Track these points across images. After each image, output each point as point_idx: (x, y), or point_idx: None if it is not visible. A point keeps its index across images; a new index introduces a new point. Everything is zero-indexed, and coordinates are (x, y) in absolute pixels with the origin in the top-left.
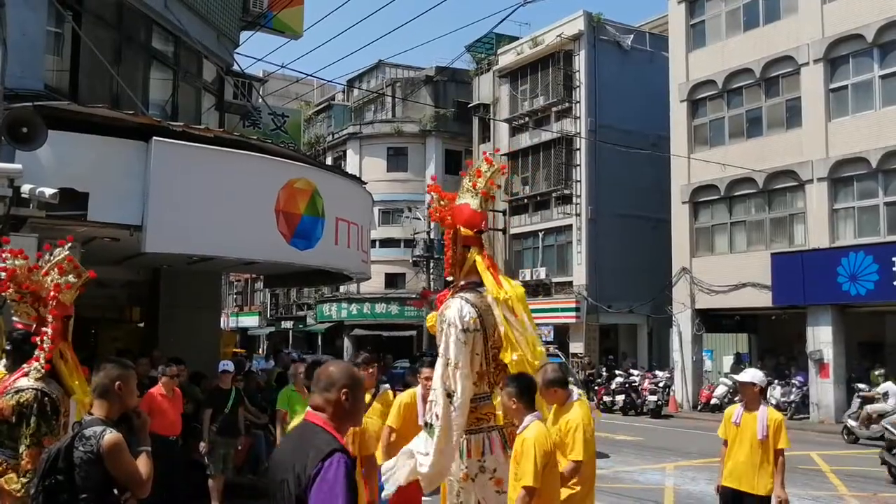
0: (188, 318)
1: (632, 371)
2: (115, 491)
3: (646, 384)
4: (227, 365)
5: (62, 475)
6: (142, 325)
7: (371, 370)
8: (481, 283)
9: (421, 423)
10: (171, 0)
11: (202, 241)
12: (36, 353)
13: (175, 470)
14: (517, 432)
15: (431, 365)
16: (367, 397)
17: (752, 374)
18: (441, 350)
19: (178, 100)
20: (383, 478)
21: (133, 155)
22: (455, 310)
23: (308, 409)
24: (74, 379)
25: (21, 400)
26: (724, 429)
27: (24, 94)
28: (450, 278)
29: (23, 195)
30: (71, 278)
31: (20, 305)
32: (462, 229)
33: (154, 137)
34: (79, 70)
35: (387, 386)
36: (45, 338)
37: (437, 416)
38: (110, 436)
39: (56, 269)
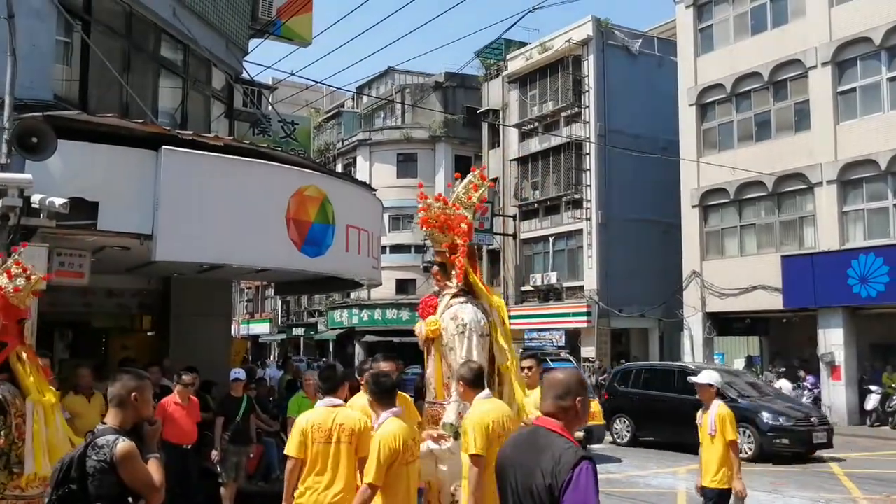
0: (199, 326)
1: None
2: (130, 499)
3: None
4: (239, 373)
5: (75, 484)
6: (152, 333)
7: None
8: (471, 291)
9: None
10: (180, 9)
11: (213, 250)
12: None
13: (188, 478)
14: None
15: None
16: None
17: (709, 376)
18: (462, 353)
19: (187, 108)
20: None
21: (143, 164)
22: (472, 314)
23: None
24: (32, 380)
25: None
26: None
27: (33, 105)
28: (449, 284)
29: (33, 205)
30: (20, 282)
31: None
32: (466, 239)
33: (164, 146)
34: (88, 79)
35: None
36: None
37: (459, 415)
38: (123, 444)
39: (5, 274)
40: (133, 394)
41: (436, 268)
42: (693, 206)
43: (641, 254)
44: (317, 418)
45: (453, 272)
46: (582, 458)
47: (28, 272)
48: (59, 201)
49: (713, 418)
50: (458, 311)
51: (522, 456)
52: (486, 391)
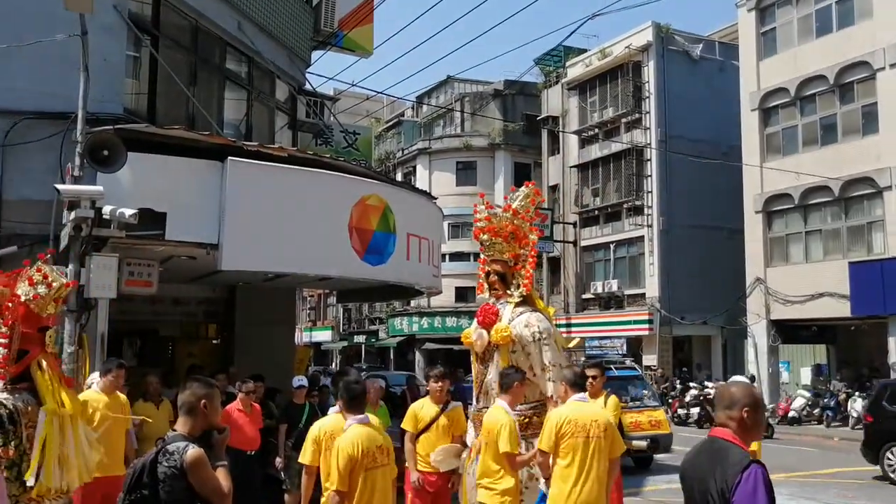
0: (263, 333)
1: (706, 383)
2: None
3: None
4: (302, 380)
5: (147, 490)
6: (217, 341)
7: (441, 384)
8: (529, 301)
9: None
10: (245, 22)
11: (277, 259)
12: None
13: (251, 484)
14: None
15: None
16: (436, 410)
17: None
18: (551, 359)
19: (251, 119)
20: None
21: (209, 175)
22: (546, 323)
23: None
24: (51, 390)
25: None
26: None
27: (104, 118)
28: (511, 292)
29: (104, 216)
30: (41, 290)
31: None
32: (535, 251)
33: (229, 157)
34: (156, 93)
35: (458, 403)
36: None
37: None
38: (193, 451)
39: (26, 281)
40: (203, 401)
41: (494, 276)
42: (756, 212)
43: (703, 260)
44: (328, 426)
45: (514, 282)
46: (750, 462)
47: (49, 279)
48: (128, 212)
49: None
50: (531, 319)
51: (699, 463)
52: (582, 394)
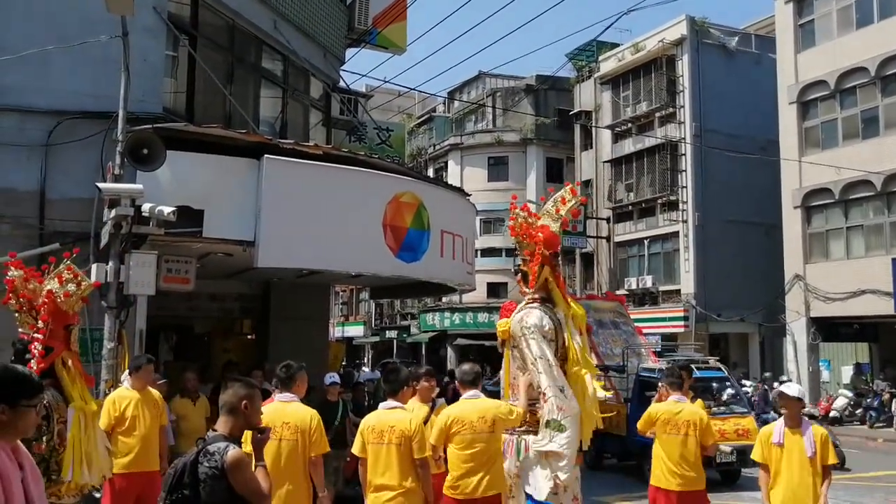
0: (298, 329)
1: (744, 382)
2: None
3: (757, 396)
4: (334, 377)
5: (188, 490)
6: (252, 336)
7: (430, 383)
8: (549, 299)
9: None
10: (281, 21)
11: (312, 256)
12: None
13: None
14: None
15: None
16: (426, 409)
17: (799, 389)
18: (537, 353)
19: (286, 117)
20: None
21: (246, 173)
22: (537, 318)
23: None
24: (76, 387)
25: None
26: (762, 451)
27: (144, 117)
28: (526, 291)
29: (143, 214)
30: (70, 287)
31: (22, 315)
32: (541, 248)
33: (265, 155)
34: (194, 91)
35: (442, 400)
36: (34, 345)
37: (559, 408)
38: (233, 451)
39: (56, 279)
40: (244, 402)
41: (518, 275)
42: (795, 207)
43: (740, 256)
44: (373, 420)
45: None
46: None
47: (79, 278)
48: (167, 210)
49: (811, 439)
50: (524, 315)
51: None
52: (474, 391)
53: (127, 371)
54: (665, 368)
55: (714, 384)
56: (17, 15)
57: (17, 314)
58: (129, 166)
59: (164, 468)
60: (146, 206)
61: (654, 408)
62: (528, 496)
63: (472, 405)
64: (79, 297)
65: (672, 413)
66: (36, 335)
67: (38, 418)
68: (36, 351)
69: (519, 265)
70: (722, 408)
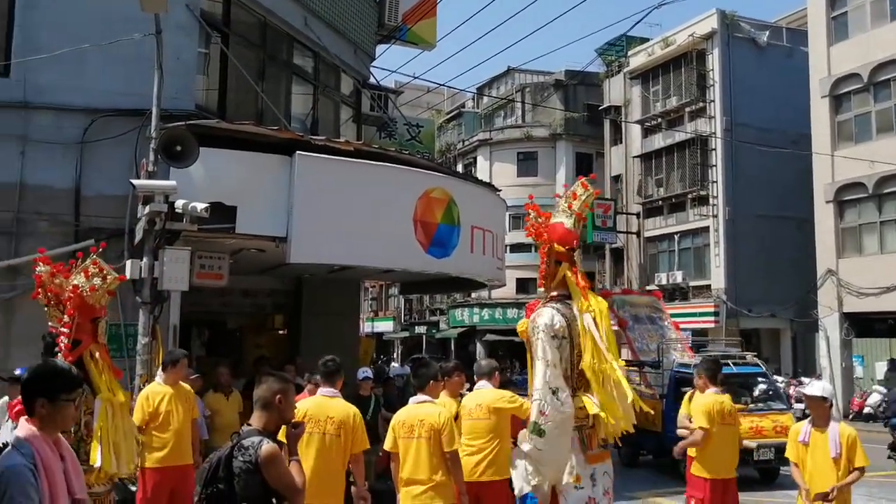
0: (329, 324)
1: (775, 377)
2: (273, 500)
3: (791, 391)
4: (366, 372)
5: (223, 484)
6: (284, 332)
7: (460, 378)
8: (569, 296)
9: None
10: (311, 18)
11: (343, 251)
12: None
13: None
14: None
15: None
16: (455, 404)
17: (823, 388)
18: (539, 353)
19: (317, 114)
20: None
21: (278, 169)
22: (547, 317)
23: None
24: (103, 378)
25: None
26: (791, 449)
27: (177, 115)
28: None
29: (177, 210)
30: (96, 281)
31: (50, 309)
32: (556, 245)
33: (297, 152)
34: (226, 88)
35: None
36: (61, 339)
37: (542, 413)
38: (267, 446)
39: (82, 273)
40: (278, 396)
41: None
42: (827, 202)
43: (771, 251)
44: (403, 414)
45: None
46: None
47: (104, 272)
48: (200, 206)
49: (836, 439)
50: (536, 315)
51: None
52: (481, 382)
53: (161, 366)
54: (701, 361)
55: (751, 380)
56: (53, 15)
57: (45, 308)
58: (162, 163)
59: (196, 461)
60: (180, 203)
61: (705, 400)
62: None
63: (475, 395)
64: (104, 291)
65: (722, 403)
66: (62, 329)
67: (77, 412)
68: (62, 344)
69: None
70: (760, 404)
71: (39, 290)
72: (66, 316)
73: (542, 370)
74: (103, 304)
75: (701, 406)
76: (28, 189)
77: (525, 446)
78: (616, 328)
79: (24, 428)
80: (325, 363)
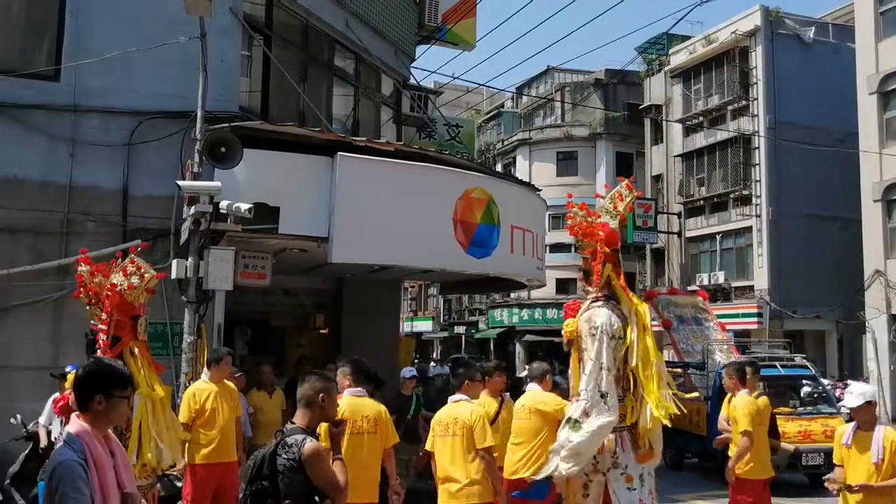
0: (369, 324)
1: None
2: (316, 498)
3: (838, 394)
4: (413, 371)
5: (267, 481)
6: (325, 331)
7: (501, 378)
8: (612, 297)
9: None
10: (352, 19)
11: (384, 251)
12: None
13: None
14: None
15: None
16: (495, 405)
17: (862, 394)
18: (593, 355)
19: (358, 115)
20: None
21: (319, 170)
22: (606, 318)
23: None
24: (142, 375)
25: None
26: (836, 453)
27: (221, 116)
28: (589, 289)
29: (221, 211)
30: (134, 280)
31: (91, 308)
32: (603, 246)
33: (339, 153)
34: (269, 90)
35: (507, 395)
36: (100, 336)
37: (585, 413)
38: (310, 444)
39: (121, 272)
40: (321, 395)
41: (581, 273)
42: (875, 201)
43: (816, 252)
44: (441, 414)
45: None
46: None
47: (142, 270)
48: (244, 206)
49: (880, 443)
50: (592, 315)
51: None
52: (530, 385)
53: (206, 364)
54: (729, 363)
55: (799, 383)
56: (102, 20)
57: (87, 307)
58: (207, 164)
59: (240, 459)
60: (224, 203)
61: (749, 401)
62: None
63: (523, 396)
64: (143, 289)
65: (756, 404)
66: (101, 326)
67: (128, 409)
68: (101, 341)
69: (581, 265)
70: (808, 407)
71: (81, 289)
72: (104, 314)
73: (594, 372)
74: (142, 302)
75: (742, 408)
76: (77, 190)
77: (561, 434)
78: (660, 329)
79: (75, 424)
80: (358, 363)
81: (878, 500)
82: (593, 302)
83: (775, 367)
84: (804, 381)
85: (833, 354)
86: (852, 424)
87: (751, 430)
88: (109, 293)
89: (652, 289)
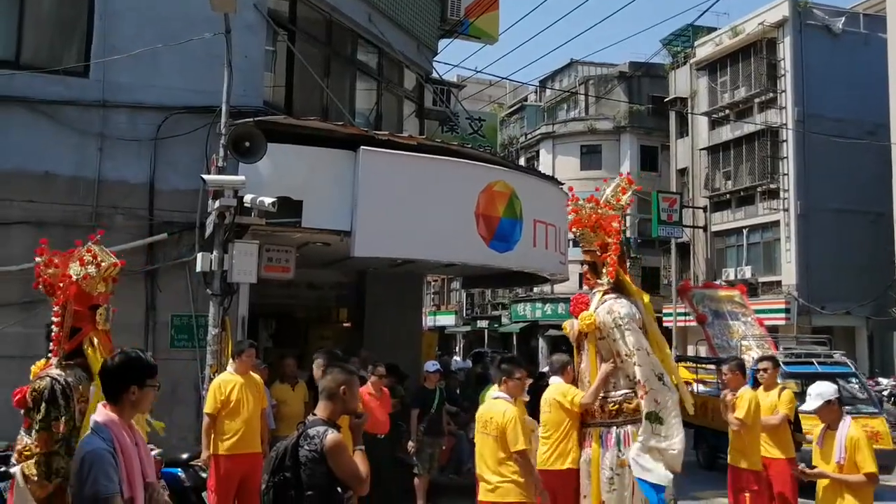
0: (392, 318)
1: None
2: (339, 489)
3: None
4: (437, 365)
5: (289, 472)
6: (348, 324)
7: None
8: (619, 289)
9: None
10: (375, 14)
11: (406, 245)
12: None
13: (382, 467)
14: None
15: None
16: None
17: (821, 394)
18: (632, 345)
19: (381, 109)
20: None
21: (342, 164)
22: (627, 308)
23: None
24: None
25: (37, 387)
26: (814, 453)
27: (246, 111)
28: (600, 282)
29: (245, 204)
30: (90, 269)
31: (50, 299)
32: (617, 238)
33: (362, 147)
34: (292, 85)
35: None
36: (53, 327)
37: (656, 401)
38: (332, 435)
39: (77, 262)
40: (342, 387)
41: (586, 267)
42: None
43: (846, 246)
44: (483, 409)
45: (603, 270)
46: None
47: (98, 259)
48: (268, 200)
49: (842, 442)
50: (614, 305)
51: None
52: (552, 378)
53: (231, 356)
54: (728, 358)
55: (839, 381)
56: (130, 17)
57: (49, 298)
58: (231, 158)
59: (264, 451)
60: (248, 197)
61: (752, 395)
62: (645, 482)
63: (547, 390)
64: (100, 278)
65: (785, 399)
66: (53, 318)
67: (156, 396)
68: (53, 333)
69: (584, 259)
70: (847, 407)
71: (38, 280)
72: (55, 305)
73: (644, 359)
74: (102, 292)
75: (744, 398)
76: (105, 184)
77: (653, 441)
78: (695, 323)
79: (102, 413)
80: (332, 354)
81: (841, 490)
82: (605, 294)
83: (812, 363)
84: (849, 380)
85: (863, 351)
86: (822, 426)
87: (743, 418)
88: (62, 284)
89: (689, 282)
